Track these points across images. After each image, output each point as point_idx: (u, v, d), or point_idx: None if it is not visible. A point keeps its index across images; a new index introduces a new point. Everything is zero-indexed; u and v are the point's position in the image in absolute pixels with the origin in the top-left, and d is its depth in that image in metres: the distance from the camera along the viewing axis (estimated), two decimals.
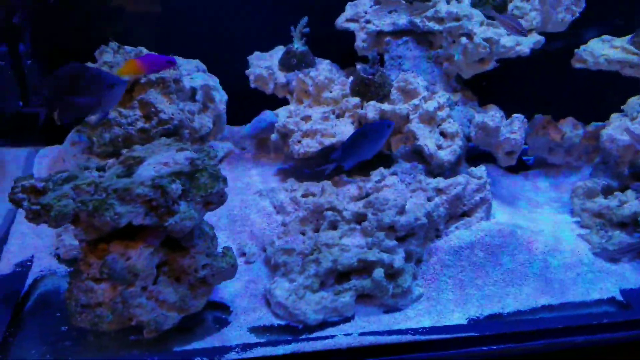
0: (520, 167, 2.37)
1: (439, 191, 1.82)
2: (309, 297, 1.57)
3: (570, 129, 2.30)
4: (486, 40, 1.92)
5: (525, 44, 2.00)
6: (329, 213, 1.73)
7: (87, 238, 1.27)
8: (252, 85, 2.12)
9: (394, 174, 1.93)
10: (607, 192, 2.05)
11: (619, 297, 1.71)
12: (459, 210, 1.84)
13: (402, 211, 1.70)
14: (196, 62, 2.24)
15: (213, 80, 2.16)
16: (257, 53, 2.22)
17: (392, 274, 1.64)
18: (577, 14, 2.10)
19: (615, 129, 2.04)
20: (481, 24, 1.96)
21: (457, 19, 1.97)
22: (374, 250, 1.63)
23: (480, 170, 1.94)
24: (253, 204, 1.90)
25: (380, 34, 2.08)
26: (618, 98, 2.22)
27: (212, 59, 2.28)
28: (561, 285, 1.74)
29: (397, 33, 2.07)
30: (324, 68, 2.01)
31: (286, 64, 2.07)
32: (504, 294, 1.70)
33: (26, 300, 1.59)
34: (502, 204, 2.09)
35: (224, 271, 1.50)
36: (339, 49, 2.17)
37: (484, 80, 2.16)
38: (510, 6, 2.06)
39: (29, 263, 1.72)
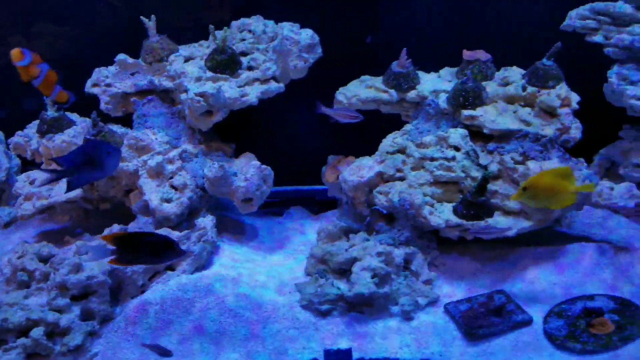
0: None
1: None
2: None
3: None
4: (200, 94, 1.95)
5: (252, 95, 2.01)
6: (20, 273, 1.74)
7: None
8: (13, 153, 2.21)
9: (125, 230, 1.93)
10: (348, 234, 1.93)
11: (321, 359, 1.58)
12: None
13: (77, 269, 1.69)
14: None
15: None
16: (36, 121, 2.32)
17: (62, 332, 1.62)
18: (310, 61, 2.09)
19: (351, 169, 1.97)
20: (198, 79, 1.99)
21: (179, 76, 2.02)
22: (37, 309, 1.62)
23: (205, 220, 1.91)
24: None
25: (126, 95, 2.14)
26: None
27: None
28: (259, 343, 1.64)
29: (142, 93, 2.13)
30: (68, 132, 2.08)
31: (40, 130, 2.15)
32: (191, 352, 1.63)
33: None
34: (255, 250, 2.03)
35: None
36: None
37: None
38: (246, 59, 2.08)
39: None
